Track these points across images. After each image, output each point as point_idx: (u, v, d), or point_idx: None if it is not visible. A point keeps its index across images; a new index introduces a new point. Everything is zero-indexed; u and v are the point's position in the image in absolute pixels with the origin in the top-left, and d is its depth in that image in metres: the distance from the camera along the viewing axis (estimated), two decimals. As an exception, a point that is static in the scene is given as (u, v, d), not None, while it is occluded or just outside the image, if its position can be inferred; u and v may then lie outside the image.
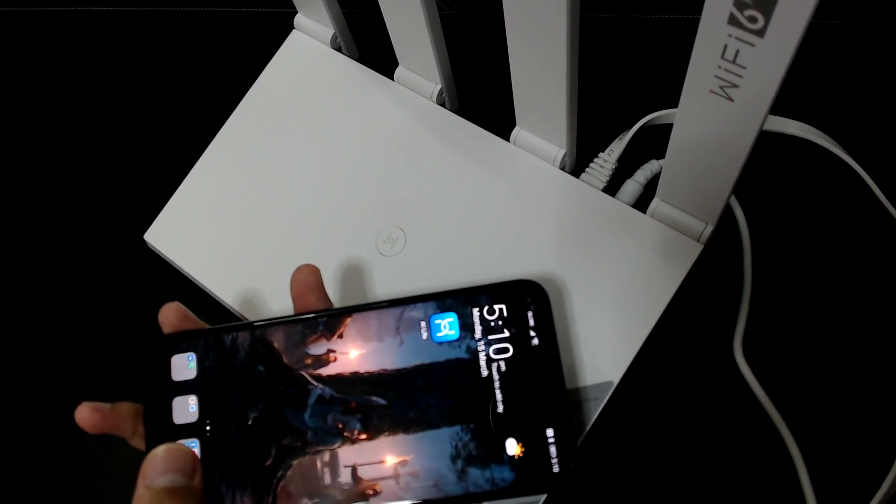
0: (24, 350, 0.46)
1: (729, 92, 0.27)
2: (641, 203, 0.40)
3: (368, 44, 0.49)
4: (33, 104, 0.53)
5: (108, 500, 0.41)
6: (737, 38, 0.24)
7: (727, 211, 0.41)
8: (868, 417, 0.38)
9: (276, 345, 0.31)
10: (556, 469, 0.29)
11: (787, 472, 0.38)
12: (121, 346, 0.45)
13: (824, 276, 0.42)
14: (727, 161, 0.31)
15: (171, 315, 0.32)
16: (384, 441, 0.29)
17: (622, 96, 0.47)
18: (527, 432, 0.29)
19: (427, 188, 0.42)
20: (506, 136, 0.42)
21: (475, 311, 0.31)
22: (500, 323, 0.30)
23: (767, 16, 0.23)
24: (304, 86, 0.46)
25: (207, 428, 0.30)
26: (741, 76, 0.26)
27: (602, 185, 0.41)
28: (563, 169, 0.41)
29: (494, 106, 0.42)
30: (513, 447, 0.29)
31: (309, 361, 0.31)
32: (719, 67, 0.26)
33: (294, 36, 0.48)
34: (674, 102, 0.30)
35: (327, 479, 0.29)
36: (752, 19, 0.23)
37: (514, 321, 0.30)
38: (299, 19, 0.48)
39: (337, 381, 0.30)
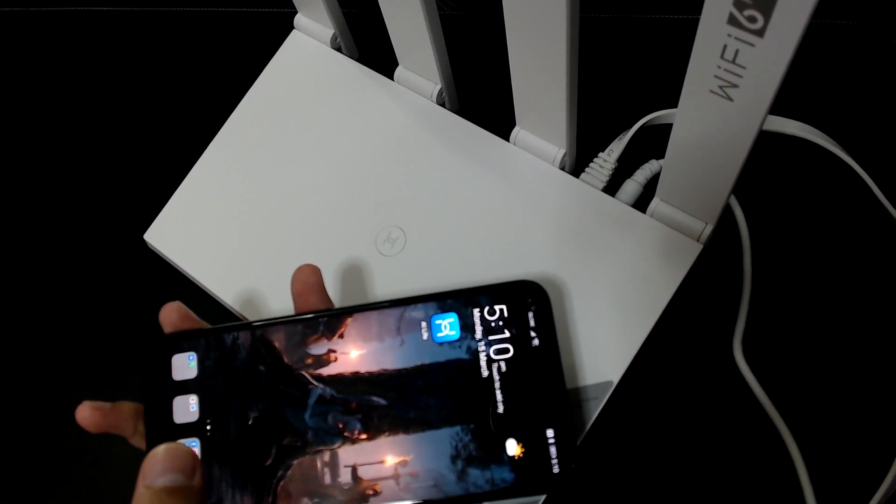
0: (24, 350, 0.46)
1: (728, 92, 0.27)
2: (641, 203, 0.40)
3: (368, 44, 0.49)
4: (33, 104, 0.53)
5: (108, 500, 0.41)
6: (736, 38, 0.24)
7: (727, 211, 0.41)
8: (868, 417, 0.38)
9: (276, 344, 0.31)
10: (556, 469, 0.29)
11: (787, 472, 0.38)
12: (121, 346, 0.45)
13: (824, 276, 0.42)
14: (727, 161, 0.31)
15: (171, 314, 0.32)
16: (384, 441, 0.29)
17: (622, 96, 0.47)
18: (527, 433, 0.29)
19: (427, 188, 0.42)
20: (506, 136, 0.42)
21: (476, 312, 0.31)
22: (500, 323, 0.30)
23: (767, 16, 0.23)
24: (304, 86, 0.46)
25: (208, 427, 0.30)
26: (741, 76, 0.26)
27: (602, 185, 0.41)
28: (562, 169, 0.41)
29: (494, 106, 0.42)
30: (513, 448, 0.29)
31: (309, 361, 0.31)
32: (719, 67, 0.26)
33: (294, 36, 0.48)
34: (674, 102, 0.30)
35: (327, 479, 0.29)
36: (752, 19, 0.23)
37: (515, 322, 0.30)
38: (299, 19, 0.48)
39: (337, 381, 0.30)
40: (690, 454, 0.39)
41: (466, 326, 0.31)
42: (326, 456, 0.29)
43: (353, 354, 0.31)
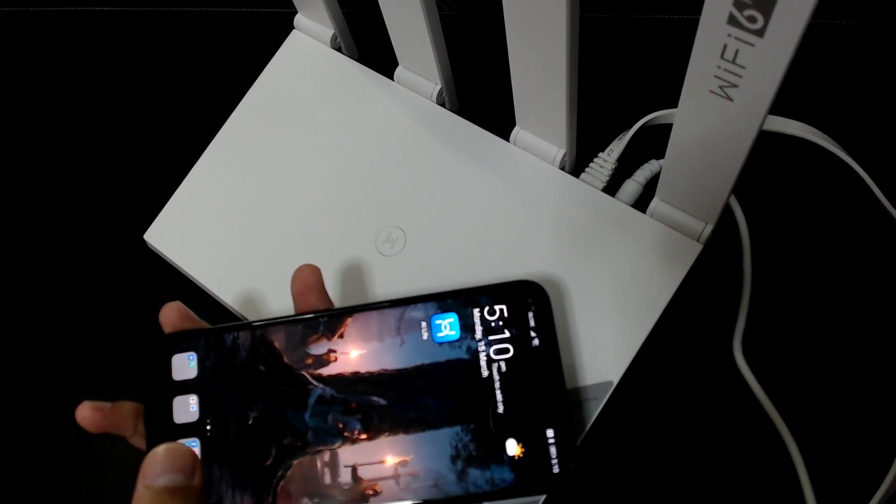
0: (24, 350, 0.46)
1: (728, 92, 0.27)
2: (641, 203, 0.40)
3: (368, 44, 0.49)
4: (33, 104, 0.53)
5: (108, 500, 0.41)
6: (736, 38, 0.24)
7: (727, 211, 0.41)
8: (868, 417, 0.38)
9: (276, 344, 0.31)
10: (556, 470, 0.29)
11: (787, 472, 0.38)
12: (121, 346, 0.45)
13: (824, 276, 0.42)
14: (727, 161, 0.31)
15: (172, 314, 0.32)
16: (384, 441, 0.29)
17: (622, 96, 0.47)
18: (527, 433, 0.29)
19: (427, 188, 0.42)
20: (506, 136, 0.42)
21: (476, 312, 0.31)
22: (500, 323, 0.30)
23: (767, 16, 0.23)
24: (304, 86, 0.46)
25: (208, 427, 0.30)
26: (741, 76, 0.26)
27: (602, 185, 0.41)
28: (562, 169, 0.41)
29: (494, 106, 0.42)
30: (513, 448, 0.29)
31: (309, 361, 0.31)
32: (719, 67, 0.26)
33: (294, 36, 0.48)
34: (674, 102, 0.30)
35: (327, 479, 0.29)
36: (752, 19, 0.23)
37: (515, 322, 0.30)
38: (299, 19, 0.48)
39: (337, 380, 0.30)
40: (690, 454, 0.39)
41: (466, 326, 0.31)
42: (326, 456, 0.29)
43: (353, 354, 0.31)
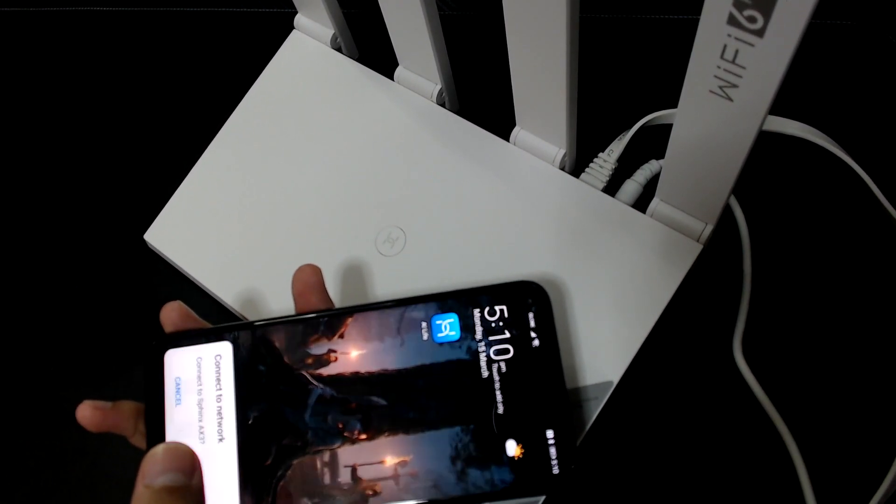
0: (24, 350, 0.46)
1: (728, 92, 0.27)
2: (641, 203, 0.40)
3: (368, 44, 0.49)
4: (33, 104, 0.53)
5: (108, 500, 0.41)
6: (736, 38, 0.24)
7: (727, 211, 0.41)
8: (868, 417, 0.38)
9: (276, 344, 0.31)
10: (555, 471, 0.29)
11: (787, 472, 0.38)
12: (121, 346, 0.45)
13: (824, 276, 0.42)
14: (727, 161, 0.31)
15: (172, 314, 0.32)
16: (384, 441, 0.29)
17: (622, 96, 0.47)
18: (527, 433, 0.29)
19: (427, 188, 0.42)
20: (506, 136, 0.42)
21: (476, 312, 0.31)
22: (500, 324, 0.30)
23: (767, 16, 0.23)
24: (304, 86, 0.46)
25: (208, 427, 0.30)
26: (740, 76, 0.26)
27: (602, 186, 0.41)
28: (562, 169, 0.41)
29: (494, 106, 0.42)
30: (513, 448, 0.29)
31: (310, 361, 0.31)
32: (719, 67, 0.26)
33: (294, 36, 0.48)
34: (674, 102, 0.30)
35: (327, 479, 0.29)
36: (752, 19, 0.23)
37: (515, 322, 0.30)
38: (299, 19, 0.48)
39: (337, 381, 0.30)
40: (690, 454, 0.39)
41: (466, 327, 0.31)
42: (326, 456, 0.29)
43: (353, 354, 0.31)
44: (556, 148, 0.40)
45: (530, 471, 0.29)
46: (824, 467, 0.37)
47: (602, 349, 0.36)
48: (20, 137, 0.52)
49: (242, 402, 0.30)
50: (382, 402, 0.30)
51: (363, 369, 0.30)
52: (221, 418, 0.30)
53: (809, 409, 0.39)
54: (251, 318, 0.41)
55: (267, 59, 0.48)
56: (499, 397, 0.30)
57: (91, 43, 0.55)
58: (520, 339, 0.30)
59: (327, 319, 0.31)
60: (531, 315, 0.30)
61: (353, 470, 0.29)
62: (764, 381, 0.39)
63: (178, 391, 0.31)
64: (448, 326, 0.31)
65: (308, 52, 0.47)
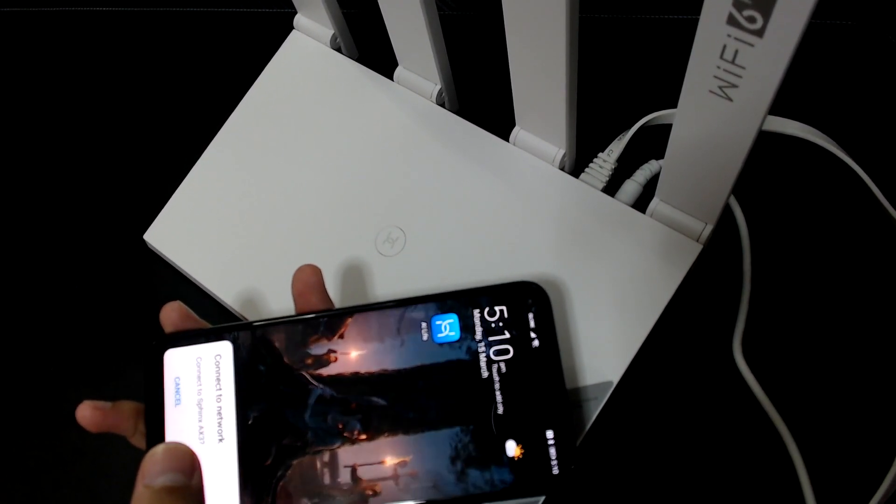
0: (24, 350, 0.46)
1: (728, 92, 0.27)
2: (641, 203, 0.40)
3: (368, 44, 0.49)
4: (33, 104, 0.53)
5: (108, 500, 0.41)
6: (736, 39, 0.24)
7: (727, 211, 0.41)
8: (867, 417, 0.38)
9: (276, 344, 0.31)
10: (555, 471, 0.29)
11: (787, 472, 0.38)
12: (121, 346, 0.45)
13: (824, 276, 0.42)
14: (726, 161, 0.31)
15: (172, 314, 0.32)
16: (384, 441, 0.29)
17: (622, 96, 0.47)
18: (527, 434, 0.29)
19: (427, 188, 0.42)
20: (505, 136, 0.42)
21: (476, 313, 0.31)
22: (500, 324, 0.30)
23: (766, 16, 0.23)
24: (304, 86, 0.46)
25: (208, 427, 0.30)
26: (740, 76, 0.26)
27: (601, 186, 0.41)
28: (562, 169, 0.41)
29: (494, 106, 0.42)
30: (512, 449, 0.29)
31: (309, 361, 0.31)
32: (718, 67, 0.26)
33: (294, 36, 0.48)
34: (673, 102, 0.30)
35: (327, 479, 0.29)
36: (751, 19, 0.23)
37: (515, 323, 0.30)
38: (299, 19, 0.48)
39: (337, 381, 0.30)
40: (690, 454, 0.39)
41: (466, 327, 0.31)
42: (326, 456, 0.29)
43: (353, 355, 0.31)
44: (556, 148, 0.40)
45: (530, 471, 0.29)
46: (824, 467, 0.37)
47: (602, 349, 0.36)
48: (20, 137, 0.52)
49: (242, 402, 0.30)
50: (382, 402, 0.30)
51: (363, 369, 0.30)
52: (221, 418, 0.30)
53: (809, 409, 0.39)
54: (251, 318, 0.41)
55: (267, 59, 0.48)
56: (499, 397, 0.30)
57: (91, 43, 0.55)
58: (520, 340, 0.30)
59: (327, 320, 0.31)
60: (531, 315, 0.30)
61: (353, 470, 0.29)
62: (764, 381, 0.39)
63: (177, 391, 0.31)
64: (448, 327, 0.31)
65: (308, 52, 0.47)
